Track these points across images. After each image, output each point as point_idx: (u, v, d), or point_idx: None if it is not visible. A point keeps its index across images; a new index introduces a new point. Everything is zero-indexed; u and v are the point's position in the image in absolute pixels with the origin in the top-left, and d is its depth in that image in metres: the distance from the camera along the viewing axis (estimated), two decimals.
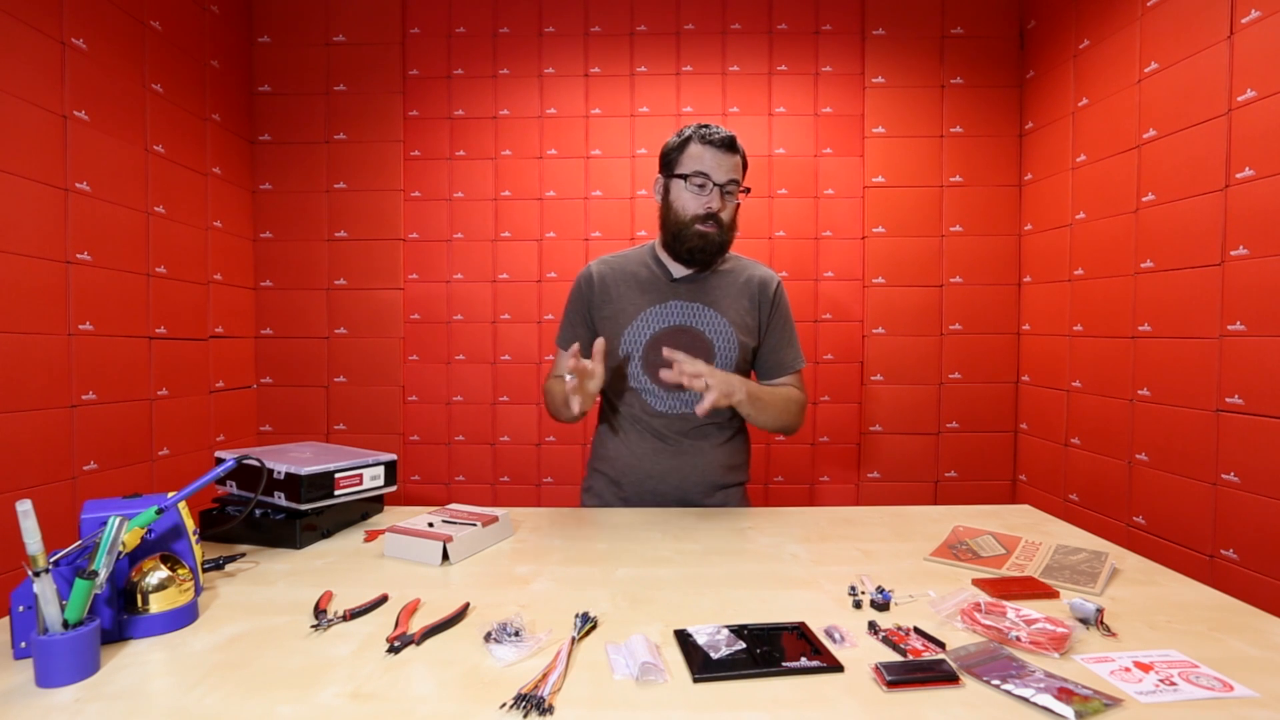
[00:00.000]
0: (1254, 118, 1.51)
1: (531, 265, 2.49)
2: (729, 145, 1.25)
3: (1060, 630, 0.71)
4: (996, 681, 0.62)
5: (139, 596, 0.72)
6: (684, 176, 1.25)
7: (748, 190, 1.30)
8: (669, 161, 1.30)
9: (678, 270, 1.33)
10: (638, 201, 2.47)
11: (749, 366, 1.37)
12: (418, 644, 0.71)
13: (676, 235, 1.27)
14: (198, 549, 0.81)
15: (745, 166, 1.30)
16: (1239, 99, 1.54)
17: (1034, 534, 1.10)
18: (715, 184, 1.24)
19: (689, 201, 1.25)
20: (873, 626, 0.74)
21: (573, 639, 0.70)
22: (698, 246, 1.26)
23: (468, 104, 2.48)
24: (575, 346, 1.17)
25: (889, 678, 0.62)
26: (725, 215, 1.26)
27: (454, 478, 2.51)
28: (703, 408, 1.10)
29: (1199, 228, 1.64)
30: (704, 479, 1.32)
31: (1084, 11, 2.09)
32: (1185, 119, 1.69)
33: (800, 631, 0.73)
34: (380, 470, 1.16)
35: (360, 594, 0.83)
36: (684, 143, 1.27)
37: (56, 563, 0.66)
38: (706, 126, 1.26)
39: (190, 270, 2.09)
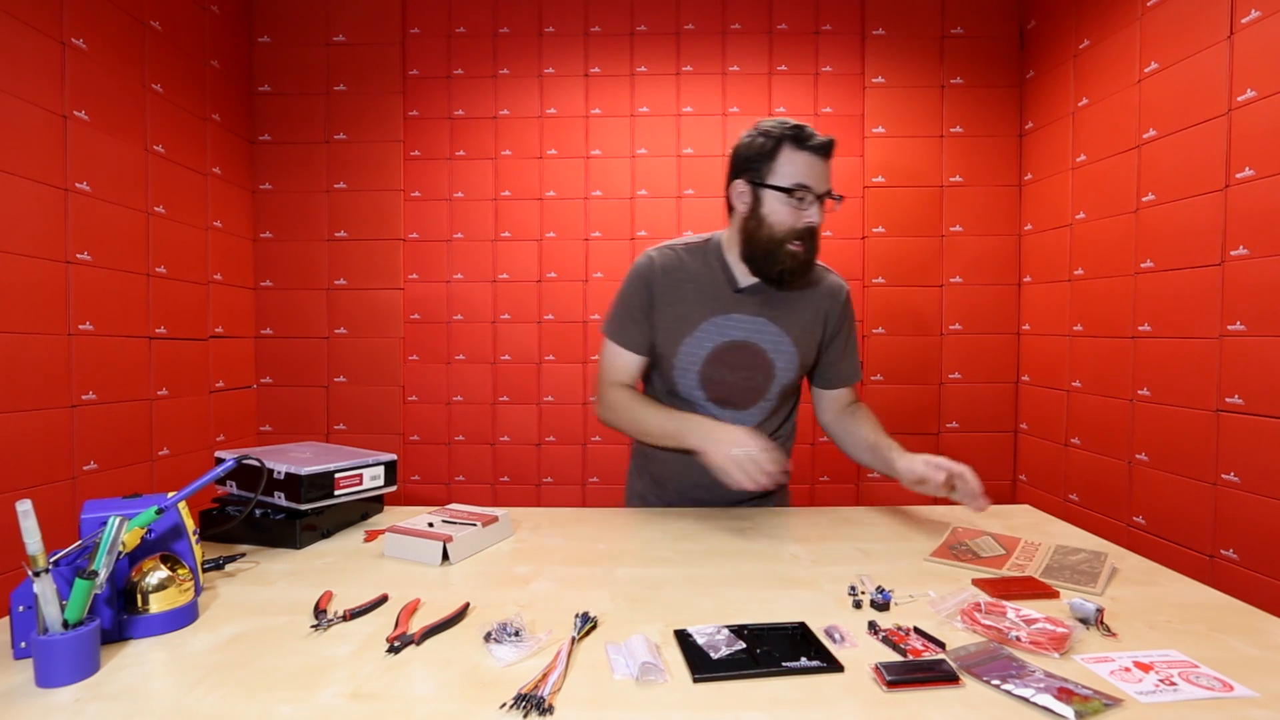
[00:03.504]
0: (1254, 118, 1.51)
1: (531, 265, 2.49)
2: (827, 151, 1.11)
3: (1060, 630, 0.71)
4: (996, 681, 0.62)
5: (139, 596, 0.72)
6: (785, 190, 1.10)
7: (841, 198, 1.15)
8: (756, 168, 1.12)
9: (745, 279, 1.19)
10: (638, 201, 2.47)
11: (799, 383, 1.29)
12: (418, 644, 0.70)
13: (769, 254, 1.13)
14: (198, 549, 0.81)
15: None
16: (1239, 99, 1.54)
17: (1034, 534, 1.10)
18: (816, 195, 1.10)
19: (786, 216, 1.10)
20: (873, 626, 0.74)
21: (573, 639, 0.70)
22: (789, 268, 1.13)
23: (468, 104, 2.48)
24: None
25: (889, 678, 0.62)
26: (818, 228, 1.14)
27: (454, 478, 2.51)
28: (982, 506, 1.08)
29: (1199, 228, 1.64)
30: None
31: (1084, 11, 2.09)
32: (1185, 119, 1.69)
33: (800, 631, 0.73)
34: (380, 470, 1.15)
35: (360, 594, 0.83)
36: (776, 147, 1.10)
37: (56, 563, 0.66)
38: (799, 127, 1.10)
39: (190, 270, 2.09)
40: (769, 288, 1.20)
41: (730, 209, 1.19)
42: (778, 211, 1.11)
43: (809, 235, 1.13)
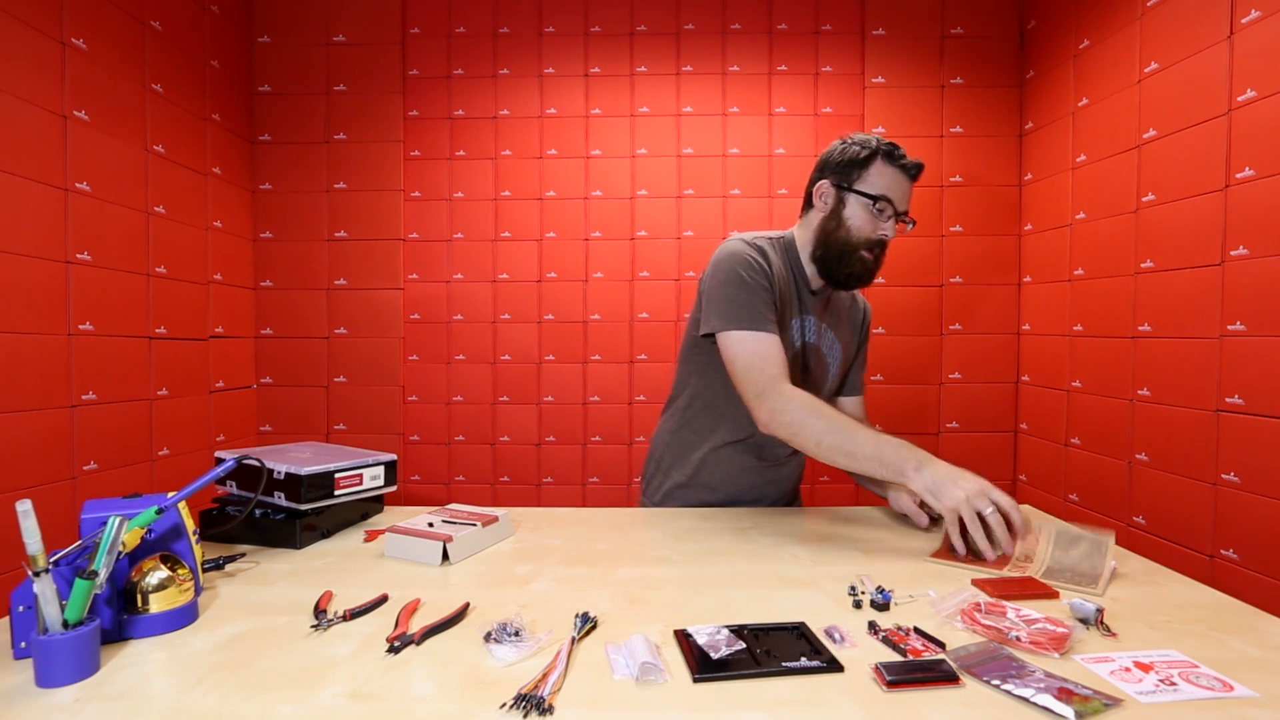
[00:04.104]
0: (1254, 118, 1.51)
1: (531, 265, 2.49)
2: (916, 173, 1.17)
3: (1060, 630, 0.71)
4: (996, 681, 0.62)
5: (139, 596, 0.72)
6: (870, 197, 1.15)
7: (914, 223, 1.20)
8: (845, 172, 1.17)
9: (815, 281, 1.24)
10: (637, 201, 2.47)
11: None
12: (418, 644, 0.70)
13: (842, 256, 1.17)
14: (198, 549, 0.81)
15: None
16: (1239, 99, 1.54)
17: (1031, 534, 1.09)
18: (896, 212, 1.16)
19: (865, 224, 1.15)
20: (873, 626, 0.74)
21: (573, 639, 0.70)
22: (857, 273, 1.18)
23: (468, 104, 2.48)
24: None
25: (889, 678, 0.62)
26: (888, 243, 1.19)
27: (454, 478, 2.51)
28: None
29: (1199, 228, 1.64)
30: (791, 487, 1.37)
31: (1084, 11, 2.09)
32: (1185, 119, 1.69)
33: (800, 631, 0.73)
34: (380, 470, 1.15)
35: (360, 594, 0.83)
36: (869, 157, 1.16)
37: (56, 563, 0.66)
38: (894, 145, 1.16)
39: (190, 270, 2.09)
40: (826, 294, 1.25)
41: (807, 207, 1.24)
42: (858, 216, 1.16)
43: (880, 247, 1.17)
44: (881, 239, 1.16)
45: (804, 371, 1.25)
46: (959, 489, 0.95)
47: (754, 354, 1.10)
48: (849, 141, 1.19)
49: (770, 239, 1.23)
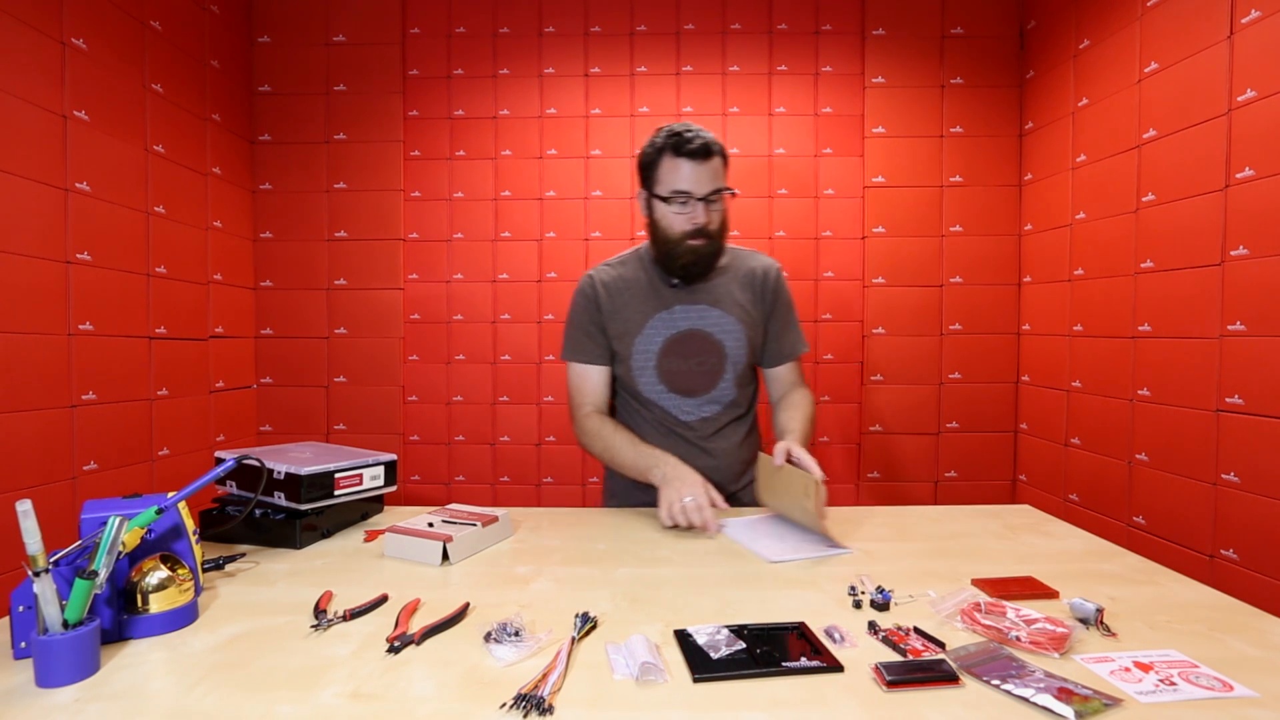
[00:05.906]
0: (1254, 118, 1.51)
1: (531, 265, 2.49)
2: (703, 153, 1.16)
3: (1060, 630, 0.71)
4: (996, 681, 0.62)
5: (139, 596, 0.72)
6: (664, 199, 1.18)
7: (735, 193, 1.23)
8: (647, 177, 1.22)
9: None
10: (637, 201, 2.47)
11: (755, 360, 1.34)
12: (418, 644, 0.71)
13: (670, 253, 1.22)
14: (198, 549, 0.81)
15: (726, 162, 1.21)
16: (1239, 99, 1.54)
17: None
18: (697, 199, 1.17)
19: (674, 221, 1.19)
20: (873, 626, 0.74)
21: (573, 639, 0.70)
22: (691, 262, 1.21)
23: (468, 104, 2.48)
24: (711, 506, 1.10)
25: (889, 678, 0.62)
26: (714, 225, 1.20)
27: (454, 478, 2.51)
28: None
29: (1199, 228, 1.64)
30: (729, 474, 1.33)
31: (1084, 11, 2.09)
32: (1185, 119, 1.69)
33: (800, 631, 0.73)
34: (380, 470, 1.15)
35: (360, 594, 0.83)
36: (658, 155, 1.19)
37: (56, 563, 0.66)
38: (678, 134, 1.17)
39: (190, 270, 2.09)
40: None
41: None
42: (666, 216, 1.20)
43: (703, 233, 1.19)
44: (696, 228, 1.18)
45: (685, 358, 1.26)
46: (676, 483, 1.11)
47: (572, 386, 1.32)
48: (647, 143, 1.22)
49: (624, 256, 1.34)
